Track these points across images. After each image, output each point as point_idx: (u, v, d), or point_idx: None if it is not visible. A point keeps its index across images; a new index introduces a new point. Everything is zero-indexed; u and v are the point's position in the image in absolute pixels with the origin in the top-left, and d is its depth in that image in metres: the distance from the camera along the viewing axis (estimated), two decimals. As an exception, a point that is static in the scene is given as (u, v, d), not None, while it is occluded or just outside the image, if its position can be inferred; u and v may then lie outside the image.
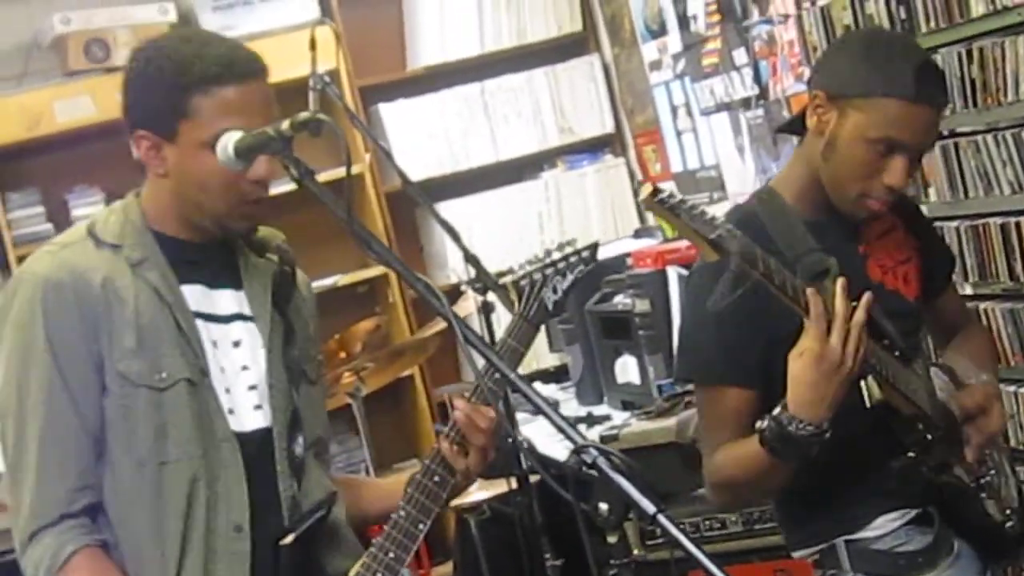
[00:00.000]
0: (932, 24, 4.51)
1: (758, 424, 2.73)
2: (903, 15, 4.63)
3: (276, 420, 2.78)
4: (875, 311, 2.77)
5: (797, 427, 2.64)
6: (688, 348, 2.98)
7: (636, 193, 7.50)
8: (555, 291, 2.82)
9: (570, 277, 2.87)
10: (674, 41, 6.68)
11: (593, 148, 7.58)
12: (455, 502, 3.21)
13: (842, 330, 2.63)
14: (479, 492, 5.16)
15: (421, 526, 2.73)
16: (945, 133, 4.66)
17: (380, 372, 5.27)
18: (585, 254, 2.91)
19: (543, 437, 5.76)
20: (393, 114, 7.29)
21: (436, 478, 2.75)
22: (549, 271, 2.86)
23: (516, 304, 2.82)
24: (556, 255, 2.89)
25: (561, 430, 2.25)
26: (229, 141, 2.61)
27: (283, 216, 6.83)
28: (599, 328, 5.90)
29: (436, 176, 7.31)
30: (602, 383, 5.95)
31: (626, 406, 5.58)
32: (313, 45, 5.03)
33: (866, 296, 2.69)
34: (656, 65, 6.96)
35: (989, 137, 4.40)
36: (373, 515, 2.98)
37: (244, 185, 2.70)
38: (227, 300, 2.81)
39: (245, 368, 2.78)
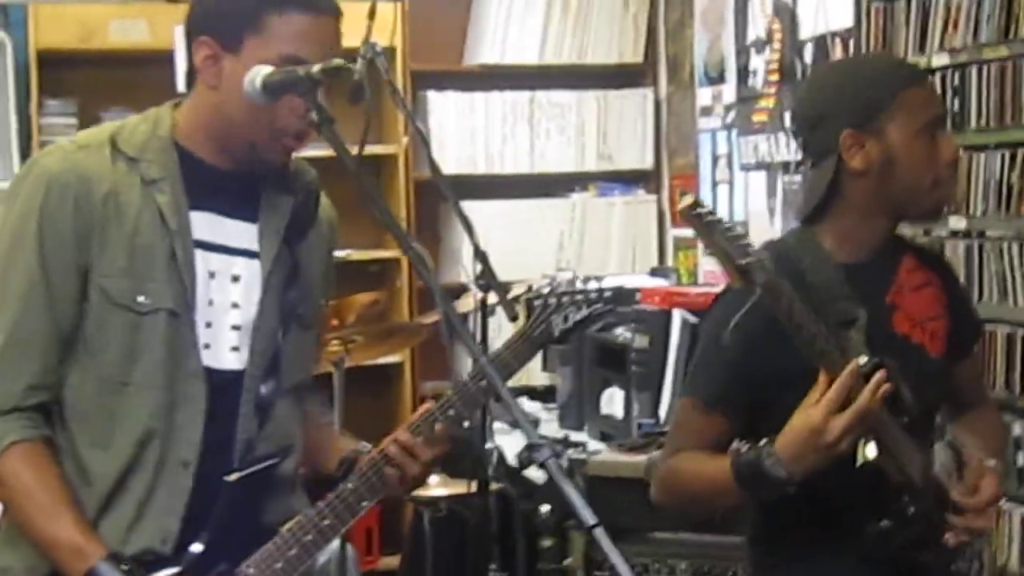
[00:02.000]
0: (982, 122, 4.49)
1: (737, 445, 2.72)
2: (956, 107, 4.61)
3: (252, 363, 2.75)
4: (892, 372, 2.73)
5: (772, 466, 2.63)
6: (694, 366, 2.96)
7: (661, 232, 7.49)
8: (566, 319, 2.81)
9: (584, 311, 2.85)
10: (729, 91, 6.67)
11: (628, 180, 7.56)
12: (414, 493, 3.18)
13: (854, 420, 2.62)
14: (439, 488, 5.14)
15: (364, 503, 2.72)
16: (973, 233, 4.64)
17: (368, 348, 5.24)
18: (608, 295, 2.89)
19: (516, 449, 5.78)
20: (440, 104, 7.29)
21: (392, 467, 2.74)
22: (566, 298, 2.84)
23: (523, 318, 2.81)
24: (579, 286, 2.88)
25: (520, 424, 2.22)
26: (258, 74, 2.59)
27: (320, 183, 7.11)
28: (594, 355, 5.88)
29: (468, 174, 7.30)
30: (585, 410, 5.92)
31: (604, 437, 5.55)
32: (372, 14, 5.07)
33: (882, 382, 2.66)
34: (707, 111, 6.95)
35: (1015, 244, 4.37)
36: (310, 464, 2.96)
37: (289, 117, 2.66)
38: (239, 232, 2.77)
39: (235, 306, 2.75)
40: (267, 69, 2.59)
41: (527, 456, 2.21)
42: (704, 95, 6.98)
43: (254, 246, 2.77)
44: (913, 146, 2.82)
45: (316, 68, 2.53)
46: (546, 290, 2.79)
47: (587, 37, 7.46)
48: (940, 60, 4.72)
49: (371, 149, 7.15)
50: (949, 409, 3.25)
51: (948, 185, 2.90)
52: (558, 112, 7.45)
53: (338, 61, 2.55)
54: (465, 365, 7.23)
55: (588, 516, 2.15)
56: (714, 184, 6.90)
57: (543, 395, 6.73)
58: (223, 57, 2.67)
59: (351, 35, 5.15)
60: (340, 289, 6.34)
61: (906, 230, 4.67)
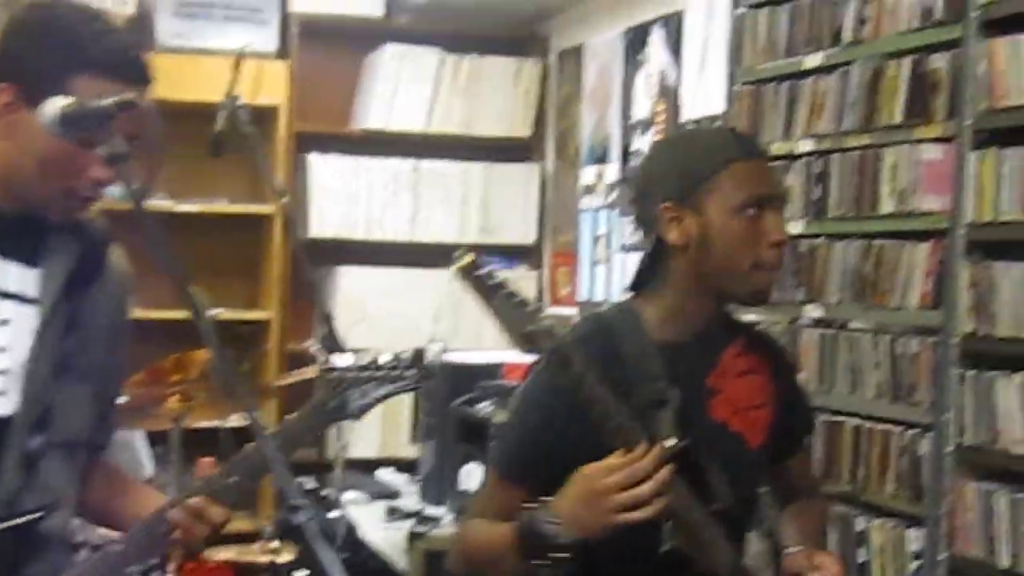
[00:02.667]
0: (841, 210, 4.44)
1: (523, 508, 2.61)
2: (817, 194, 4.56)
3: (21, 410, 2.60)
4: (702, 457, 2.65)
5: (547, 525, 2.52)
6: (499, 438, 2.88)
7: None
8: (363, 395, 2.69)
9: (386, 389, 2.74)
10: (613, 170, 6.61)
11: (509, 255, 7.46)
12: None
13: (635, 500, 2.50)
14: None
15: (130, 568, 2.58)
16: (828, 320, 4.59)
17: (212, 408, 5.08)
18: (410, 373, 2.79)
19: (374, 521, 5.68)
20: (322, 166, 7.20)
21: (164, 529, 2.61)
22: (366, 374, 2.72)
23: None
24: (382, 362, 2.77)
25: (282, 486, 2.11)
26: (57, 105, 2.47)
27: (193, 238, 7.03)
28: (456, 429, 5.78)
29: (348, 239, 7.21)
30: (446, 485, 5.80)
31: (462, 512, 5.43)
32: (236, 67, 4.98)
33: (672, 461, 2.56)
34: (590, 189, 6.89)
35: (868, 337, 4.32)
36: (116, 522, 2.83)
37: (81, 178, 2.54)
38: (15, 276, 2.64)
39: (2, 350, 2.62)
40: (65, 100, 2.47)
41: (285, 519, 2.09)
42: (588, 173, 6.92)
43: (29, 291, 2.64)
44: (731, 223, 2.70)
45: (110, 100, 2.42)
46: (348, 365, 2.67)
47: (476, 108, 7.40)
48: (805, 146, 4.69)
49: (249, 208, 7.06)
50: (779, 502, 3.15)
51: (770, 268, 2.74)
52: (442, 181, 7.37)
53: (129, 95, 2.43)
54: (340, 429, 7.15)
55: (341, 581, 2.03)
56: (593, 263, 6.82)
57: (410, 467, 6.61)
58: (22, 108, 2.56)
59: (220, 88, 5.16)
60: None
61: (768, 315, 4.66)
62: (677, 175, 2.74)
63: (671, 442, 2.61)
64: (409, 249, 7.30)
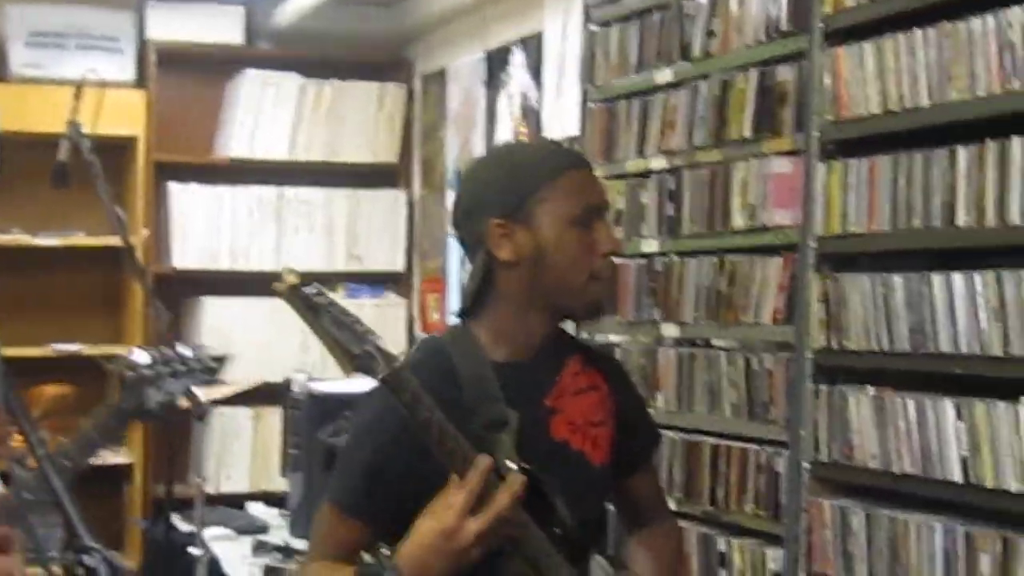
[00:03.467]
0: (695, 228, 4.39)
1: (362, 556, 2.49)
2: (671, 211, 4.51)
3: None
4: (544, 479, 2.56)
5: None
6: (335, 469, 2.73)
7: (411, 337, 7.32)
8: (160, 391, 2.58)
9: (184, 382, 2.63)
10: (478, 194, 6.52)
11: (377, 282, 7.41)
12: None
13: (489, 522, 2.41)
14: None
15: None
16: (683, 341, 4.53)
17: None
18: (212, 365, 2.68)
19: (240, 556, 5.55)
20: (183, 195, 7.09)
21: None
22: (164, 369, 2.61)
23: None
24: (179, 356, 2.66)
25: (70, 526, 1.99)
26: None
27: (52, 272, 6.88)
28: (323, 459, 5.64)
29: (211, 269, 7.09)
30: (314, 517, 5.67)
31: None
32: (77, 96, 4.86)
33: (519, 483, 2.47)
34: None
35: (723, 355, 4.26)
36: None
37: None
38: None
39: None
40: None
41: (74, 559, 1.98)
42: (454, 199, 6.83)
43: None
44: (563, 236, 2.61)
45: None
46: (141, 360, 2.56)
47: (340, 134, 7.32)
48: (658, 163, 4.64)
49: (108, 241, 6.90)
50: (626, 524, 3.07)
51: (605, 280, 2.67)
52: (307, 209, 7.29)
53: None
54: (207, 463, 7.02)
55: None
56: (463, 289, 6.73)
57: (281, 500, 6.48)
58: None
59: (91, 117, 5.04)
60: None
61: (627, 335, 4.60)
62: (504, 190, 2.64)
63: (512, 465, 2.53)
64: (275, 279, 7.12)
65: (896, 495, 3.64)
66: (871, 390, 3.67)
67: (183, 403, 4.97)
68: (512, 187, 2.63)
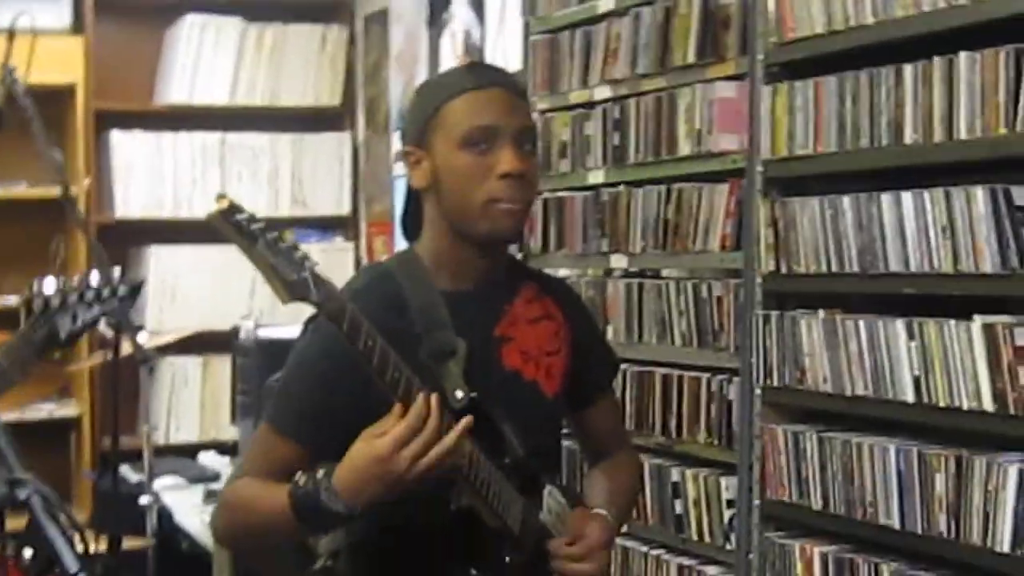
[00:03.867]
0: (640, 156, 4.34)
1: (297, 476, 2.42)
2: (616, 140, 4.45)
3: None
4: (493, 409, 2.51)
5: (329, 498, 2.36)
6: (276, 393, 2.65)
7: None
8: (75, 320, 2.50)
9: (96, 311, 2.55)
10: (423, 135, 6.44)
11: (325, 227, 7.31)
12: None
13: (421, 450, 2.35)
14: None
15: None
16: (632, 270, 4.49)
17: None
18: (123, 291, 2.60)
19: (191, 505, 5.51)
20: (125, 144, 6.96)
21: None
22: (73, 297, 2.53)
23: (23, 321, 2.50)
24: (88, 284, 2.58)
25: (2, 457, 1.93)
26: None
27: None
28: (272, 405, 5.59)
29: (156, 218, 7.00)
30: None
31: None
32: (11, 37, 4.76)
33: (464, 422, 2.41)
34: (400, 156, 6.72)
35: (672, 284, 4.22)
36: None
37: None
38: None
39: None
40: None
41: (7, 493, 1.92)
42: (399, 140, 6.76)
43: None
44: (452, 159, 2.52)
45: None
46: (51, 290, 2.48)
47: (281, 78, 7.21)
48: (602, 93, 4.58)
49: (49, 191, 6.79)
50: (586, 455, 3.03)
51: (506, 203, 2.53)
52: (250, 155, 7.17)
53: None
54: (157, 414, 6.95)
55: (71, 562, 1.86)
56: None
57: (232, 449, 6.43)
58: None
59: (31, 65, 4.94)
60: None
61: (576, 268, 4.55)
62: (412, 118, 2.60)
63: (460, 394, 2.48)
64: (220, 226, 7.07)
65: (849, 418, 3.62)
66: (822, 313, 3.63)
67: (126, 347, 4.96)
68: (416, 114, 2.59)
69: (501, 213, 2.53)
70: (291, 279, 2.19)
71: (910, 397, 3.34)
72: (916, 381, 3.32)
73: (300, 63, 7.24)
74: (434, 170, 2.54)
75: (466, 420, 2.39)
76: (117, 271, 2.71)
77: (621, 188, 4.45)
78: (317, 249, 7.07)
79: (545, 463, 2.72)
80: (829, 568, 3.61)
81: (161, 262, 6.98)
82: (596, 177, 4.56)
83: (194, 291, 6.96)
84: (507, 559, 2.58)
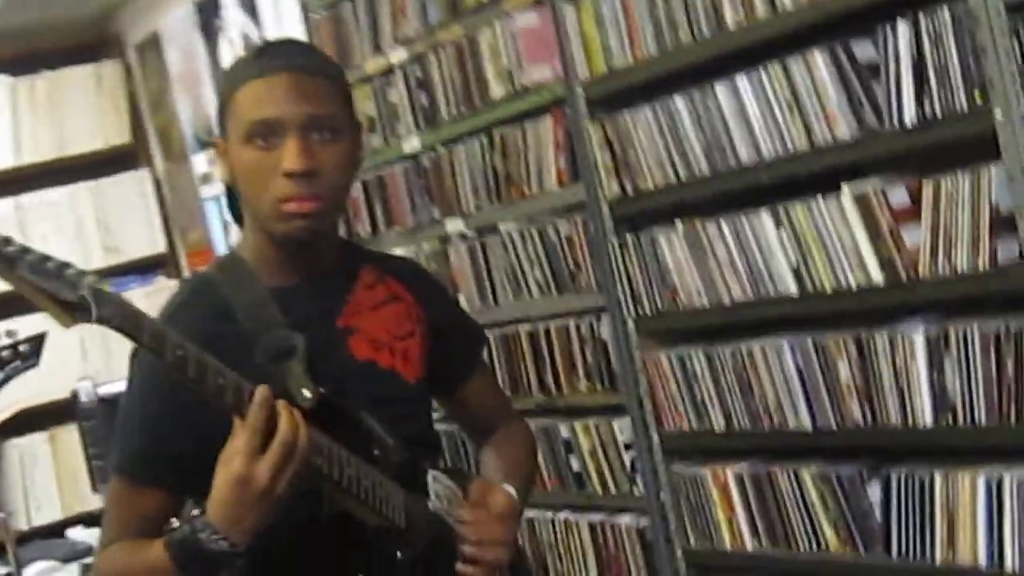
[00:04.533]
0: (453, 111, 4.11)
1: (169, 526, 2.15)
2: (425, 101, 4.21)
3: None
4: (348, 403, 2.29)
5: (209, 539, 2.09)
6: (114, 439, 2.36)
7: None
8: None
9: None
10: (222, 152, 6.15)
11: (143, 269, 6.98)
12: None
13: (279, 455, 2.08)
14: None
15: None
16: (469, 234, 4.24)
17: None
18: (24, 348, 2.31)
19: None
20: (-86, 231, 6.55)
21: None
22: None
23: None
24: None
25: None
26: None
27: None
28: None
29: (-36, 299, 6.60)
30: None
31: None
32: None
33: (294, 411, 2.14)
34: (207, 179, 6.43)
35: (516, 234, 3.99)
36: None
37: None
38: None
39: None
40: None
41: None
42: (200, 162, 6.47)
43: None
44: (242, 156, 2.26)
45: None
46: None
47: (64, 127, 6.86)
48: (398, 56, 4.33)
49: None
50: (474, 437, 2.81)
51: (294, 203, 2.25)
52: (50, 212, 6.82)
53: None
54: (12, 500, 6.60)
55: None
56: (232, 252, 6.37)
57: (99, 519, 6.09)
58: None
59: None
60: None
61: (410, 242, 4.30)
62: (217, 105, 2.35)
63: (307, 393, 2.23)
64: (34, 293, 6.70)
65: (733, 328, 3.41)
66: (680, 226, 3.42)
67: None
68: (218, 103, 2.34)
69: (290, 214, 2.27)
70: (68, 299, 1.91)
71: (793, 290, 3.14)
72: (796, 272, 3.12)
73: (80, 107, 6.90)
74: (231, 165, 2.32)
75: (293, 410, 2.14)
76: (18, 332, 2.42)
77: (441, 149, 4.21)
78: (140, 294, 6.77)
79: (421, 451, 2.47)
80: (747, 487, 3.40)
81: (-16, 341, 6.59)
82: (412, 144, 4.31)
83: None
84: (398, 555, 2.35)
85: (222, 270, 2.42)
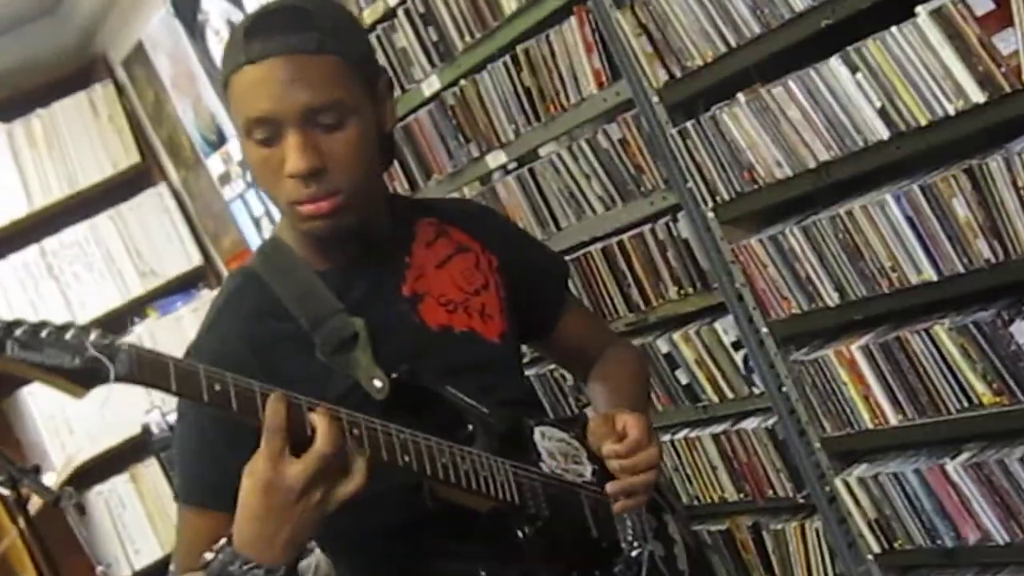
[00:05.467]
0: (467, 38, 3.82)
1: (205, 556, 1.89)
2: (435, 36, 3.92)
3: None
4: (429, 381, 2.06)
5: (242, 567, 1.82)
6: (176, 463, 2.18)
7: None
8: None
9: None
10: (236, 147, 5.90)
11: (184, 286, 6.74)
12: None
13: (314, 464, 1.80)
14: None
15: None
16: (512, 166, 3.95)
17: None
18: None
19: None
20: (-56, 304, 6.33)
21: None
22: None
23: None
24: None
25: None
26: None
27: None
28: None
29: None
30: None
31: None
32: None
33: (334, 430, 1.85)
34: (225, 178, 6.17)
35: (564, 152, 3.70)
36: None
37: None
38: None
39: None
40: None
41: None
42: (215, 163, 6.20)
43: None
44: (247, 149, 2.03)
45: None
46: None
47: (70, 161, 6.60)
48: (391, -5, 4.05)
49: None
50: (576, 374, 2.59)
51: (307, 206, 1.99)
52: (77, 251, 6.57)
53: None
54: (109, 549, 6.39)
55: None
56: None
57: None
58: None
59: None
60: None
61: (452, 186, 4.03)
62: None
63: (379, 383, 2.02)
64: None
65: (826, 192, 3.11)
66: (741, 98, 3.12)
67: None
68: (221, 70, 2.07)
69: (307, 214, 2.01)
70: (72, 367, 1.63)
71: (884, 133, 2.84)
72: (883, 113, 2.82)
73: (81, 138, 6.65)
74: (242, 149, 2.07)
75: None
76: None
77: (463, 83, 3.92)
78: (188, 312, 6.55)
79: (520, 411, 2.22)
80: (877, 358, 3.11)
81: (39, 400, 6.37)
82: (431, 86, 4.04)
83: (86, 411, 6.33)
84: (521, 534, 2.09)
85: (265, 260, 2.16)
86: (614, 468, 2.17)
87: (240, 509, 1.82)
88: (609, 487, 2.17)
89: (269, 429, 1.77)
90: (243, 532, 1.82)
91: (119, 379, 1.66)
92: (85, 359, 1.63)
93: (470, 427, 2.08)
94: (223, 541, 1.83)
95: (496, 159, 3.94)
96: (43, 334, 1.61)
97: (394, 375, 2.02)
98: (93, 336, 1.65)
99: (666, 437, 3.79)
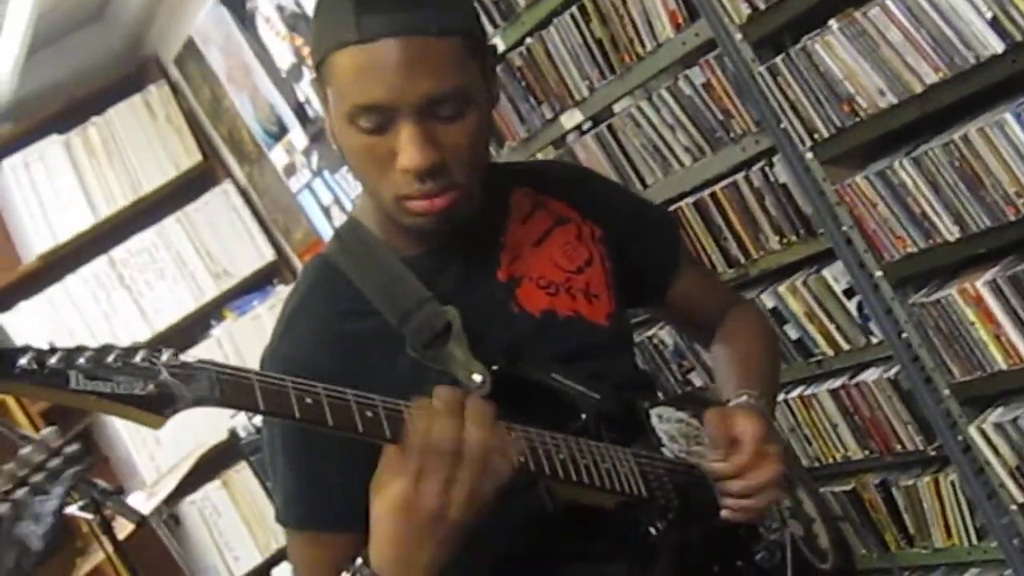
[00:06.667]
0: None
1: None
2: (499, -2, 3.72)
3: None
4: (532, 372, 1.87)
5: None
6: (274, 488, 1.98)
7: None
8: (37, 519, 1.80)
9: (56, 493, 1.85)
10: (298, 136, 5.72)
11: (259, 284, 6.58)
12: None
13: (446, 470, 1.59)
14: None
15: None
16: (588, 123, 3.74)
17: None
18: (71, 451, 1.89)
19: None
20: (17, 323, 6.18)
21: None
22: (21, 494, 1.83)
23: None
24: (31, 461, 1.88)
25: None
26: None
27: None
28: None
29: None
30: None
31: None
32: None
33: (484, 409, 1.64)
34: (290, 169, 5.99)
35: (644, 104, 3.48)
36: None
37: None
38: None
39: None
40: None
41: None
42: (278, 155, 6.03)
43: None
44: (348, 136, 1.79)
45: None
46: None
47: (131, 167, 6.44)
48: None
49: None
50: (696, 337, 2.45)
51: (418, 201, 1.78)
52: (147, 258, 6.42)
53: None
54: (209, 560, 6.26)
55: None
56: (341, 235, 5.93)
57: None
58: None
59: None
60: None
61: (527, 152, 3.81)
62: (313, 38, 1.83)
63: (478, 377, 1.82)
64: (158, 342, 6.28)
65: (936, 117, 2.86)
66: (834, 24, 2.89)
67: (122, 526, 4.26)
68: (313, 42, 1.82)
69: (418, 211, 1.80)
70: (145, 394, 1.41)
71: (998, 47, 2.59)
72: (995, 24, 2.58)
73: (140, 142, 6.49)
74: (331, 128, 1.84)
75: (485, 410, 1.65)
76: (49, 431, 2.06)
77: (529, 41, 3.70)
78: (264, 310, 6.40)
79: (634, 395, 2.01)
80: (1006, 293, 2.87)
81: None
82: (498, 45, 3.82)
83: (172, 422, 6.18)
84: (653, 530, 1.88)
85: (343, 247, 1.95)
86: (720, 489, 1.94)
87: (373, 532, 1.63)
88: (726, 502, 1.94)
89: (414, 447, 1.57)
90: (379, 556, 1.62)
91: (199, 403, 1.45)
92: (159, 383, 1.42)
93: (583, 417, 1.86)
94: (359, 562, 1.64)
95: (571, 119, 3.73)
96: (109, 359, 1.39)
97: (495, 367, 1.82)
98: (165, 357, 1.43)
99: (781, 397, 3.55)
